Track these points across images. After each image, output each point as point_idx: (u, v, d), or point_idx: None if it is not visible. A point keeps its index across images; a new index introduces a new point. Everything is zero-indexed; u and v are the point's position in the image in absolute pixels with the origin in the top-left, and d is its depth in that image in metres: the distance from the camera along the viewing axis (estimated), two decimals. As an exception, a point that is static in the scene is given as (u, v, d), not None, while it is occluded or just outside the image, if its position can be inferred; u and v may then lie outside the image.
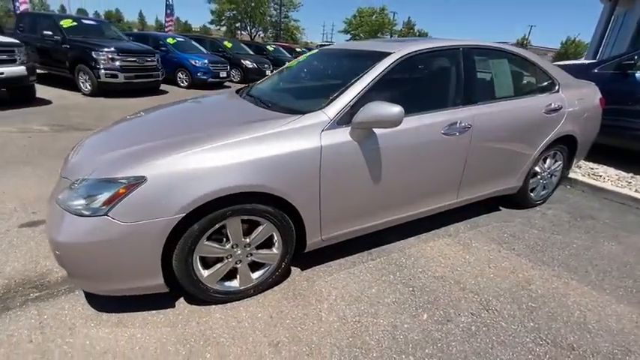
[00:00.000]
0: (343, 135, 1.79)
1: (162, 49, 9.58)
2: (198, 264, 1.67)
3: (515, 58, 2.59)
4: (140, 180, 1.44)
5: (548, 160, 2.92)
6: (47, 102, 6.37)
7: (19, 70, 5.63)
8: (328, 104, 1.84)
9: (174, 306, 1.79)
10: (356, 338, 1.65)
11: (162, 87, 8.71)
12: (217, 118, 2.08)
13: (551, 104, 2.62)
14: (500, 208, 3.05)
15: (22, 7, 12.05)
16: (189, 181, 1.48)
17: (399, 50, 2.05)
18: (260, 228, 1.74)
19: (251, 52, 12.89)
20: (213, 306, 1.80)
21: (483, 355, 1.59)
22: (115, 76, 7.05)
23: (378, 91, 1.94)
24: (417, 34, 52.24)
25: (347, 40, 51.06)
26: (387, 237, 2.47)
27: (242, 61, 11.56)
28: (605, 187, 3.35)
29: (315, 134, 1.73)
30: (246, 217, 1.68)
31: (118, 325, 1.65)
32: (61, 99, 6.70)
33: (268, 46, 15.19)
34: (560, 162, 3.01)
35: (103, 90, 7.04)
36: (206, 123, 1.92)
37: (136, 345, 1.55)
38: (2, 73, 5.39)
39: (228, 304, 1.83)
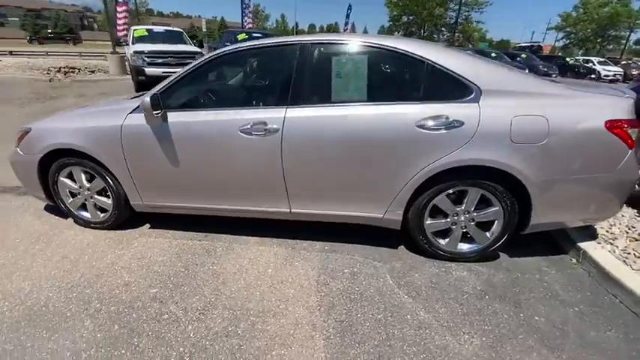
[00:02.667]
0: (140, 119, 2.18)
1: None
2: (67, 192, 2.54)
3: (391, 54, 1.92)
4: (29, 130, 2.43)
5: (467, 199, 2.00)
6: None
7: (195, 69, 8.37)
8: (145, 94, 2.25)
9: (67, 218, 2.75)
10: (99, 277, 2.09)
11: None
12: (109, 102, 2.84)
13: (441, 117, 1.83)
14: (399, 247, 2.35)
15: (248, 26, 16.89)
16: (46, 135, 2.36)
17: (222, 48, 2.15)
18: (95, 179, 2.43)
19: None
20: (83, 228, 2.64)
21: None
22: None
23: (186, 86, 2.19)
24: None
25: (558, 40, 40.79)
26: (240, 229, 2.56)
27: None
28: (626, 282, 1.85)
29: (122, 115, 2.22)
30: (85, 169, 2.41)
31: (37, 218, 2.78)
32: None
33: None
34: (496, 208, 1.97)
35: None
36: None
37: (27, 230, 2.60)
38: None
39: (89, 229, 2.62)
